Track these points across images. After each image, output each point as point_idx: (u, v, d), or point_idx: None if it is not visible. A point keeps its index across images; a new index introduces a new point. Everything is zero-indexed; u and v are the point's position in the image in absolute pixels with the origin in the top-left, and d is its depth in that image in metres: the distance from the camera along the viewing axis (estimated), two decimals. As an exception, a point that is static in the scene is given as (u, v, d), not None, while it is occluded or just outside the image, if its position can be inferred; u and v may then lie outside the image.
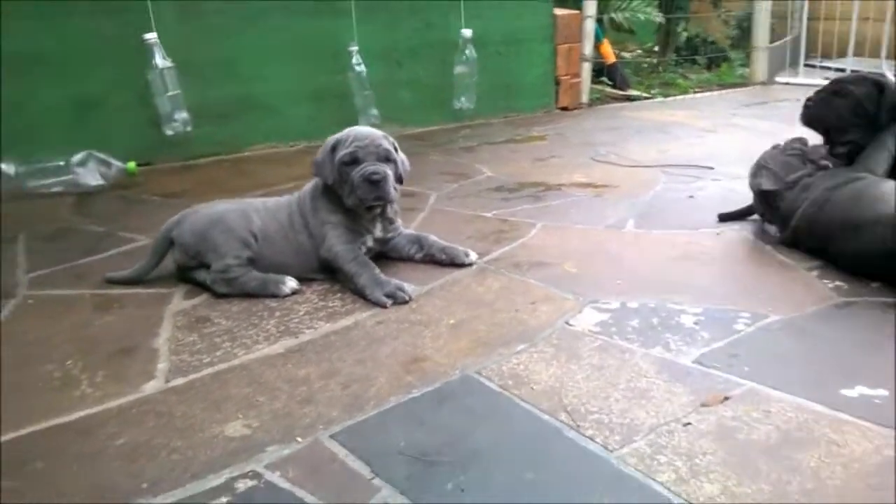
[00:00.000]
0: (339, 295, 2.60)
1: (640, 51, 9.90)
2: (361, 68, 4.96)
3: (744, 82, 8.07)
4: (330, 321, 2.39)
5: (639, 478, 1.59)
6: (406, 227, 2.98)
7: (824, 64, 8.06)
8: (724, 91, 7.67)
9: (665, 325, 2.30)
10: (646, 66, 9.08)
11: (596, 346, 2.18)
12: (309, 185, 2.82)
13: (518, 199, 3.76)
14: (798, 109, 3.11)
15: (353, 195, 2.61)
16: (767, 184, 2.95)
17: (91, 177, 3.99)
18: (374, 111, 5.10)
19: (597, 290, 2.59)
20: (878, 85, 2.89)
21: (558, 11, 6.21)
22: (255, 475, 1.63)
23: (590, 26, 6.42)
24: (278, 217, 2.73)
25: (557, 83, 6.32)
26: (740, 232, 3.13)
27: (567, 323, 2.34)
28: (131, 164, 4.14)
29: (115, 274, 2.73)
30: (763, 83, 7.74)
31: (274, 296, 2.57)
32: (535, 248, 3.04)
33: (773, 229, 3.03)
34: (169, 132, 4.30)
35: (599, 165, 4.46)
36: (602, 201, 3.71)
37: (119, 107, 4.43)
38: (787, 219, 2.87)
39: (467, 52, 5.40)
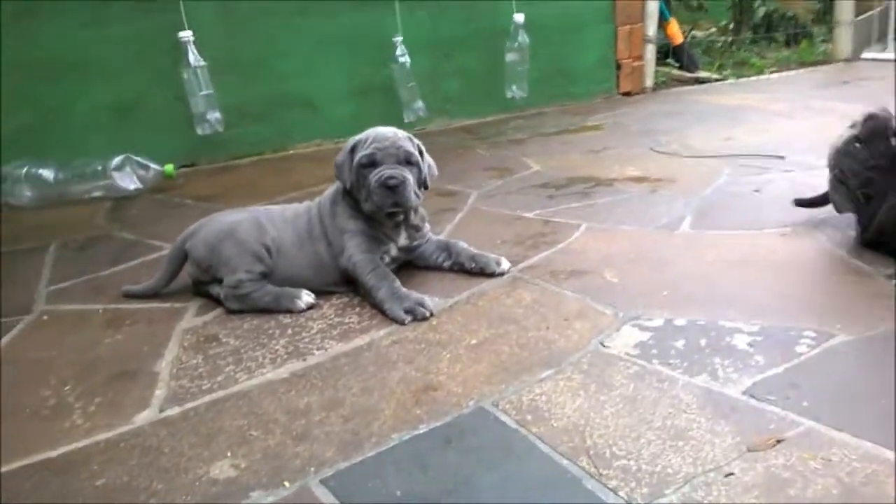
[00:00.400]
0: (357, 310, 2.42)
1: (713, 29, 9.36)
2: (405, 59, 4.77)
3: (826, 60, 7.49)
4: (342, 340, 2.21)
5: (665, 546, 1.35)
6: (438, 232, 2.78)
7: (916, 37, 7.41)
8: (803, 70, 7.14)
9: (714, 348, 2.02)
10: (719, 45, 8.57)
11: (631, 372, 1.93)
12: (329, 190, 2.65)
13: (564, 197, 3.50)
14: (886, 87, 2.73)
15: (369, 201, 2.42)
16: (847, 167, 2.58)
17: (128, 181, 3.94)
18: (420, 104, 4.91)
19: (639, 303, 2.32)
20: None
21: (617, -9, 5.86)
22: (231, 528, 1.47)
23: (653, 5, 6.04)
24: (296, 225, 2.57)
25: (618, 67, 5.98)
26: (812, 231, 2.79)
27: (602, 344, 2.09)
28: (169, 167, 4.07)
29: (131, 287, 2.63)
30: (847, 60, 7.17)
31: (289, 311, 2.41)
32: (576, 253, 2.78)
33: (851, 226, 2.68)
34: (201, 132, 4.22)
35: (657, 156, 4.14)
36: (656, 198, 3.41)
37: (159, 108, 4.39)
38: (870, 214, 2.52)
39: (519, 37, 5.13)
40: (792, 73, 7.05)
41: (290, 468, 1.64)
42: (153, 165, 4.02)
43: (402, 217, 2.54)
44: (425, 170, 2.54)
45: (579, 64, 5.81)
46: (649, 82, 6.19)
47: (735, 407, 1.75)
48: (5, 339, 2.38)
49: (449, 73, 5.23)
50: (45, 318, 2.54)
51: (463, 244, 2.68)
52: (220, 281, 2.46)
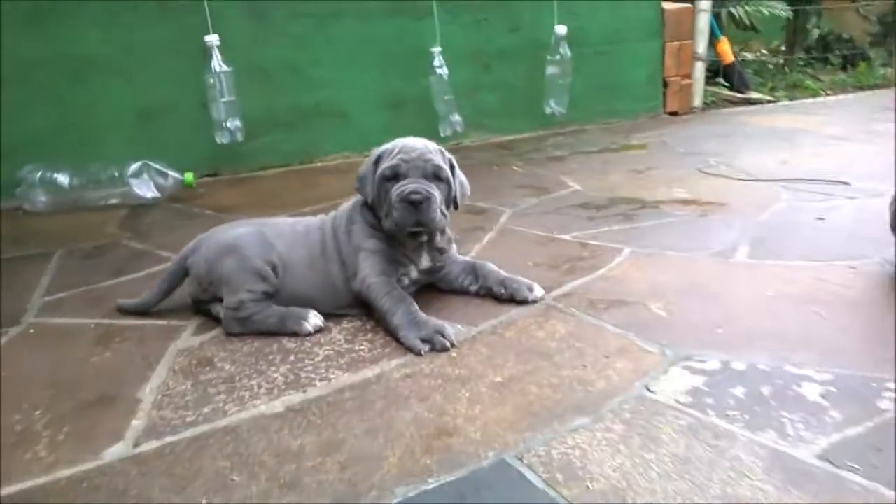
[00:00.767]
0: (369, 336, 2.16)
1: (764, 51, 8.99)
2: (443, 71, 4.54)
3: (887, 83, 7.10)
4: (349, 370, 1.95)
5: None
6: (465, 253, 2.53)
7: None
8: (861, 93, 6.75)
9: (781, 398, 1.72)
10: (770, 66, 8.21)
11: (683, 425, 1.63)
12: (347, 204, 2.41)
13: (605, 219, 3.22)
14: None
15: (389, 217, 2.17)
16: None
17: (146, 188, 3.76)
18: (457, 117, 4.67)
19: (691, 341, 2.03)
20: None
21: (667, 5, 5.57)
22: None
23: (704, 21, 5.73)
24: (308, 241, 2.33)
25: (665, 85, 5.68)
26: (885, 264, 2.47)
27: (647, 388, 1.80)
28: (189, 176, 3.89)
29: (125, 302, 2.41)
30: (910, 84, 6.76)
31: (294, 334, 2.16)
32: (617, 280, 2.50)
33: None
34: (221, 140, 4.03)
35: (707, 178, 3.84)
36: (707, 223, 3.10)
37: (183, 114, 4.21)
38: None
39: (561, 51, 4.88)
40: (849, 96, 6.68)
41: (271, 526, 1.38)
42: (172, 173, 3.84)
43: (424, 238, 2.28)
44: (455, 187, 2.28)
45: (624, 80, 5.53)
46: (698, 102, 5.88)
47: (809, 473, 1.45)
48: (-14, 354, 2.18)
49: (487, 85, 4.99)
50: (31, 331, 2.33)
51: (492, 266, 2.41)
52: (221, 300, 2.22)
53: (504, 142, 5.00)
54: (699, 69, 5.81)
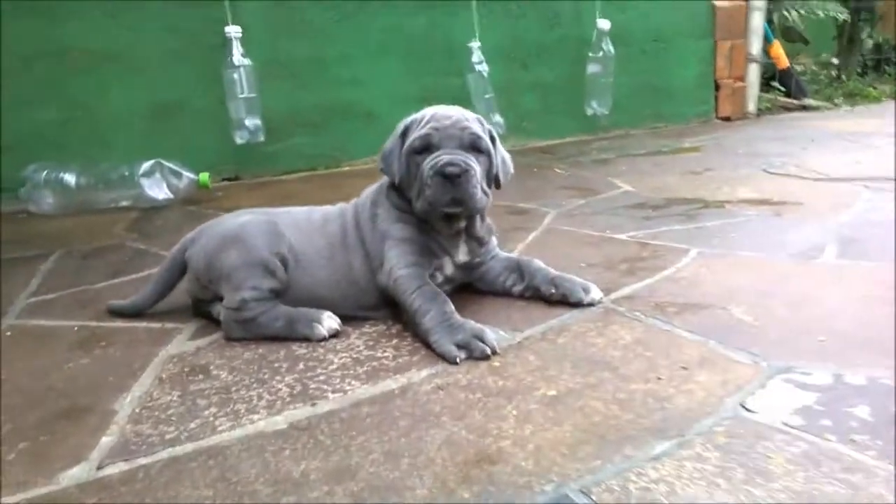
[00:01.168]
0: (394, 342, 1.81)
1: (813, 66, 8.54)
2: (483, 67, 4.21)
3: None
4: (369, 381, 1.61)
5: None
6: (506, 251, 2.17)
7: None
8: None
9: (921, 421, 1.33)
10: (822, 77, 7.78)
11: (797, 453, 1.25)
12: (371, 188, 2.08)
13: (664, 219, 2.85)
14: None
15: (421, 196, 1.83)
16: None
17: (158, 189, 3.48)
18: (499, 118, 4.33)
19: (787, 350, 1.65)
20: None
21: (718, 3, 5.21)
22: None
23: (758, 20, 5.36)
24: (327, 231, 2.00)
25: (717, 87, 5.30)
26: None
27: (743, 407, 1.42)
28: (204, 176, 3.60)
29: (117, 303, 2.10)
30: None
31: (305, 339, 1.83)
32: (688, 282, 2.12)
33: None
34: (240, 140, 3.73)
35: (774, 178, 3.45)
36: (782, 222, 2.72)
37: (201, 112, 3.95)
38: None
39: (603, 47, 4.53)
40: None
41: (257, 580, 1.03)
42: (186, 173, 3.55)
43: (462, 223, 1.94)
44: (497, 162, 1.94)
45: (673, 82, 5.16)
46: (752, 106, 5.48)
47: None
48: (-48, 358, 1.87)
49: (525, 85, 4.66)
50: (8, 333, 2.02)
51: (539, 263, 2.05)
52: (222, 299, 1.90)
53: (545, 146, 4.66)
54: (753, 71, 5.42)
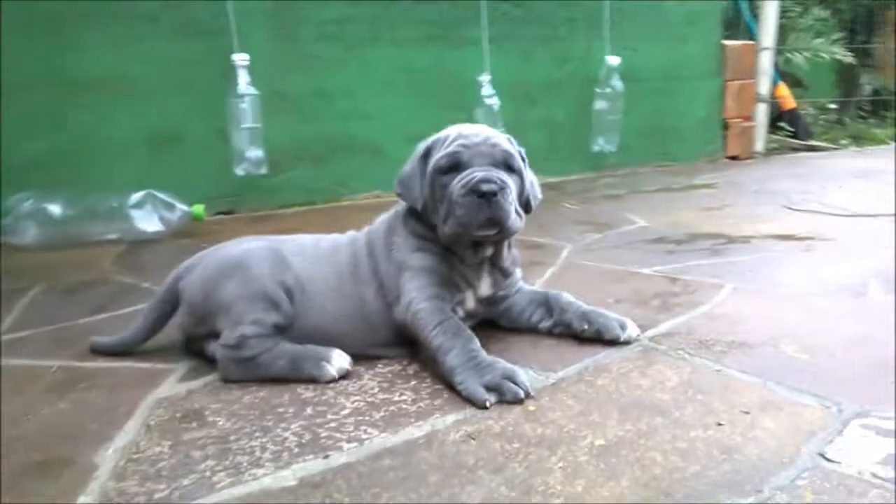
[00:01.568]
0: (412, 383, 1.62)
1: (811, 110, 8.51)
2: (493, 101, 4.07)
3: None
4: (388, 429, 1.41)
5: None
6: (529, 283, 1.99)
7: None
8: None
9: None
10: (821, 121, 7.73)
11: (902, 514, 1.06)
12: (384, 216, 1.91)
13: (688, 253, 2.68)
14: None
15: (451, 218, 1.65)
16: None
17: (149, 221, 3.29)
18: (507, 151, 4.18)
19: (857, 392, 1.47)
20: None
21: (728, 42, 5.14)
22: None
23: (767, 60, 5.28)
24: (336, 259, 1.82)
25: (725, 127, 5.20)
26: None
27: (823, 457, 1.23)
28: (198, 208, 3.41)
29: (101, 340, 1.90)
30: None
31: (312, 380, 1.63)
32: (729, 319, 1.94)
33: None
34: (241, 172, 3.55)
35: (797, 215, 3.30)
36: (814, 258, 2.56)
37: (200, 143, 3.77)
38: None
39: (612, 83, 4.42)
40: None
41: None
42: (179, 205, 3.37)
43: (489, 251, 1.76)
44: (528, 185, 1.78)
45: (681, 121, 5.05)
46: (760, 146, 5.38)
47: None
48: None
49: (533, 122, 4.52)
50: (-23, 374, 1.82)
51: (569, 297, 1.87)
52: (218, 336, 1.70)
53: (551, 183, 4.49)
54: (762, 111, 5.33)
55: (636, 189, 4.19)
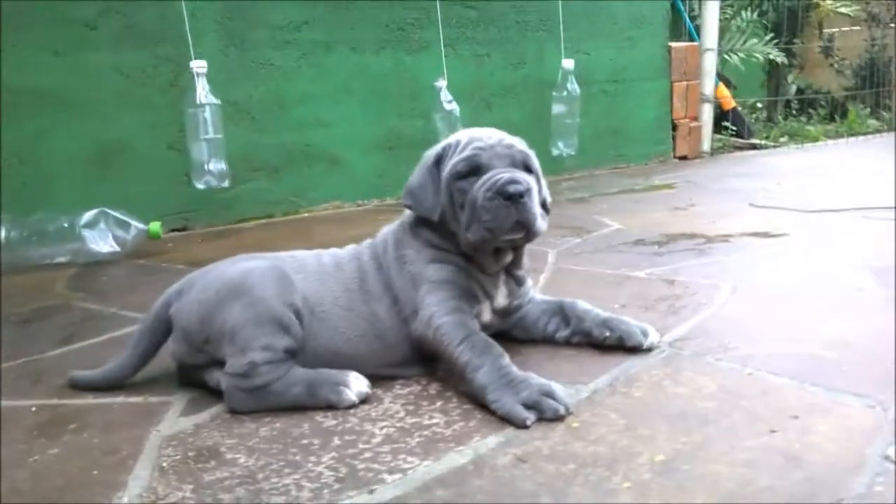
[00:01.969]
0: (438, 404, 1.52)
1: (740, 109, 8.79)
2: (453, 106, 3.98)
3: (879, 131, 6.89)
4: (429, 456, 1.30)
5: None
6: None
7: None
8: (861, 138, 6.49)
9: None
10: (751, 120, 7.99)
11: None
12: (391, 226, 1.80)
13: (674, 255, 2.67)
14: None
15: (475, 224, 1.57)
16: None
17: (102, 241, 3.08)
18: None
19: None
20: None
21: (673, 43, 5.22)
22: None
23: (710, 60, 5.40)
24: (342, 277, 1.70)
25: (674, 128, 5.28)
26: None
27: (888, 459, 1.20)
28: (155, 226, 3.21)
29: (82, 375, 1.73)
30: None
31: (331, 407, 1.51)
32: (740, 319, 1.92)
33: None
34: (202, 186, 3.37)
35: (765, 212, 3.35)
36: (799, 255, 2.59)
37: (146, 157, 3.57)
38: None
39: (568, 86, 4.42)
40: (849, 140, 6.40)
41: None
42: (134, 223, 3.17)
43: (509, 258, 1.69)
44: (545, 188, 1.72)
45: (632, 122, 5.11)
46: (707, 146, 5.49)
47: None
48: None
49: (490, 125, 4.44)
50: (-57, 419, 1.62)
51: (585, 305, 1.81)
52: (220, 364, 1.57)
53: (511, 188, 4.47)
54: (707, 111, 5.44)
55: (598, 192, 4.19)
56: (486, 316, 1.71)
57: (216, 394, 1.59)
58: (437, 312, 1.57)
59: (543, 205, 1.69)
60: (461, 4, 4.37)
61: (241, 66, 3.76)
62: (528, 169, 1.64)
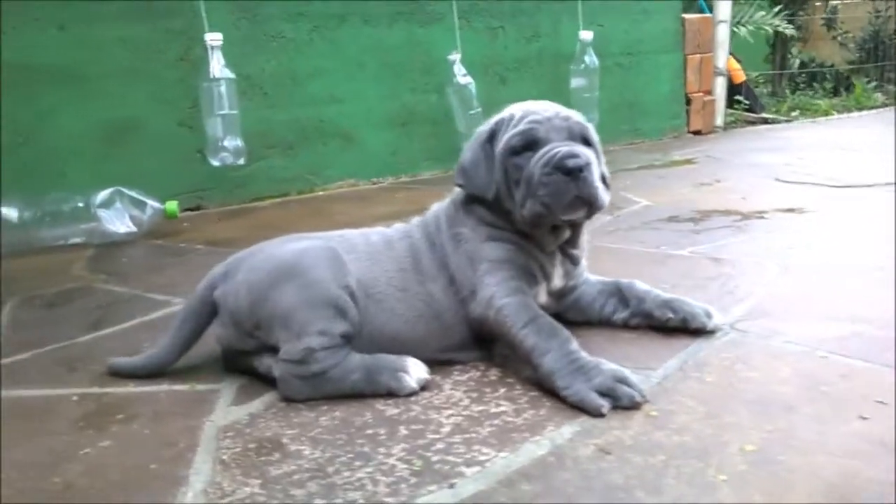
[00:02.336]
0: (502, 391, 1.46)
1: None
2: (467, 80, 3.89)
3: (885, 104, 6.83)
4: (505, 448, 1.24)
5: None
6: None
7: None
8: (869, 112, 6.43)
9: None
10: (759, 92, 7.91)
11: None
12: (442, 204, 1.73)
13: (712, 232, 2.61)
14: None
15: (530, 200, 1.50)
16: None
17: (119, 221, 2.99)
18: (485, 135, 4.02)
19: (983, 373, 1.39)
20: None
21: (687, 15, 5.12)
22: None
23: (723, 32, 5.30)
24: (394, 256, 1.63)
25: (688, 102, 5.20)
26: None
27: None
28: (171, 205, 3.13)
29: (122, 361, 1.66)
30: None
31: (390, 394, 1.45)
32: (797, 299, 1.87)
33: None
34: (215, 163, 3.27)
35: (792, 187, 3.29)
36: (839, 231, 2.53)
37: (160, 134, 3.47)
38: None
39: (587, 59, 4.32)
40: (861, 114, 6.34)
41: None
42: (151, 202, 3.08)
43: (567, 234, 1.62)
44: (603, 162, 1.65)
45: (646, 96, 5.02)
46: (720, 120, 5.41)
47: None
48: None
49: (506, 102, 4.34)
50: (-20, 410, 1.55)
51: (643, 285, 1.74)
52: (271, 349, 1.50)
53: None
54: (720, 85, 5.36)
55: (619, 167, 4.12)
56: (542, 297, 1.64)
57: (265, 380, 1.53)
58: (498, 293, 1.50)
59: (603, 179, 1.61)
60: (474, -25, 4.26)
61: (253, 39, 3.65)
62: (586, 142, 1.57)
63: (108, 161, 3.34)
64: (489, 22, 4.32)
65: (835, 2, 9.44)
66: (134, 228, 3.03)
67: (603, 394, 1.34)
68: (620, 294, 1.73)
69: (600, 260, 2.34)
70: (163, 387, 1.57)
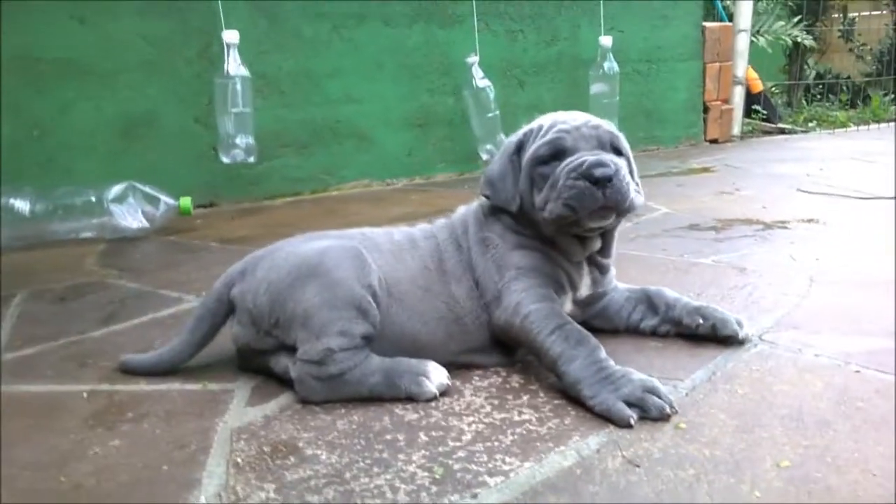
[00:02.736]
0: (525, 398, 1.42)
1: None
2: (485, 83, 3.85)
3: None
4: (529, 457, 1.20)
5: None
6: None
7: None
8: (889, 125, 6.36)
9: None
10: (774, 102, 7.85)
11: None
12: (470, 207, 1.69)
13: (735, 241, 2.56)
14: None
15: (552, 202, 1.46)
16: None
17: (131, 217, 2.96)
18: (503, 138, 3.98)
19: None
20: None
21: (707, 24, 5.08)
22: None
23: (743, 42, 5.25)
24: (418, 254, 1.60)
25: (706, 110, 5.15)
26: None
27: None
28: (185, 201, 3.10)
29: (134, 358, 1.62)
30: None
31: (410, 399, 1.41)
32: (826, 312, 1.81)
33: None
34: (226, 160, 3.24)
35: (814, 198, 3.24)
36: (865, 242, 2.47)
37: (175, 130, 3.45)
38: None
39: (606, 65, 4.28)
40: (878, 126, 6.27)
41: None
42: (164, 198, 3.05)
43: (598, 244, 1.58)
44: (636, 172, 1.61)
45: (664, 104, 4.98)
46: (737, 130, 5.36)
47: None
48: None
49: (523, 106, 4.34)
50: (-12, 404, 1.52)
51: (672, 293, 1.70)
52: (288, 349, 1.46)
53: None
54: (739, 94, 5.31)
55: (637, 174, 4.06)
56: (568, 307, 1.60)
57: (281, 381, 1.49)
58: (526, 300, 1.46)
59: (636, 184, 1.57)
60: (494, -24, 4.23)
61: (271, 37, 3.62)
62: (617, 151, 1.53)
63: (123, 156, 3.32)
64: (509, 25, 4.29)
65: (852, 14, 9.36)
66: (146, 224, 3.00)
67: (631, 404, 1.30)
68: (649, 301, 1.69)
69: (623, 267, 2.29)
70: (175, 385, 1.54)
